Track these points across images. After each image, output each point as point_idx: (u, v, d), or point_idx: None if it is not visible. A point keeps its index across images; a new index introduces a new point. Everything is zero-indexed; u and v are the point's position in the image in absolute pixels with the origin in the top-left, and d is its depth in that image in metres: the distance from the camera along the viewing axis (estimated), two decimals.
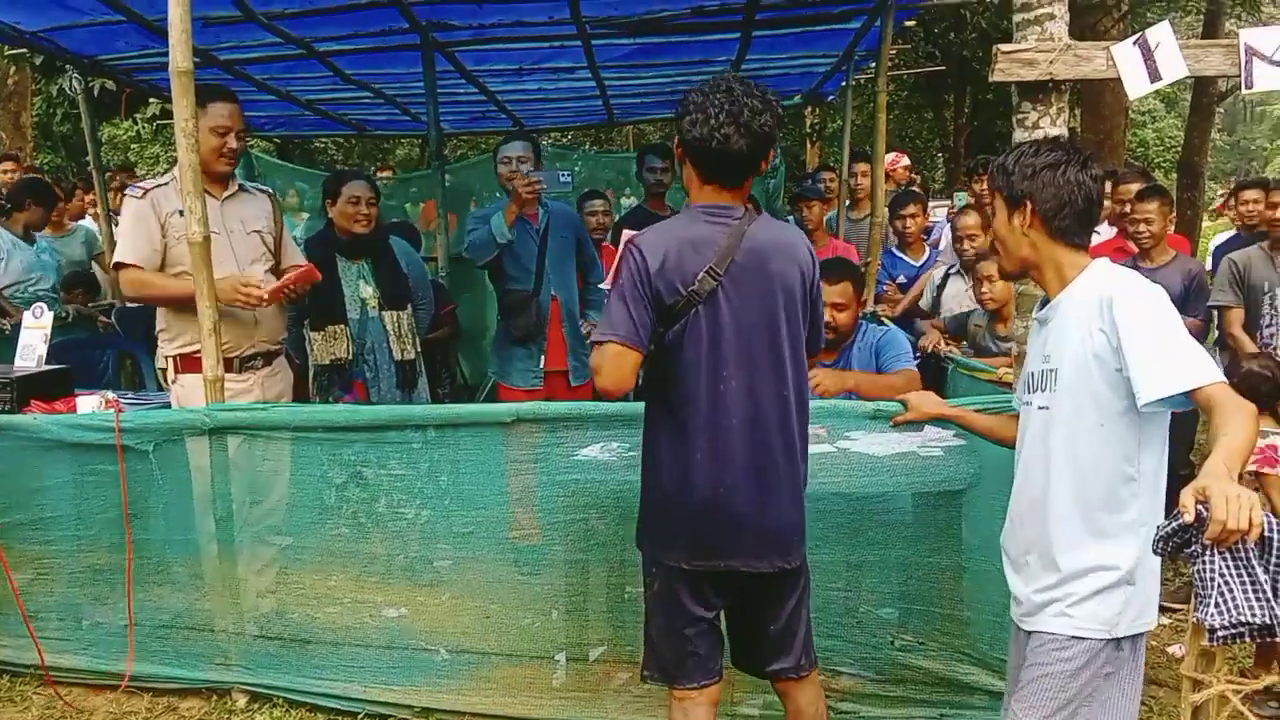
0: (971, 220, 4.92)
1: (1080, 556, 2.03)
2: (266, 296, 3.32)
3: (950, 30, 11.98)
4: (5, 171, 6.77)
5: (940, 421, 2.82)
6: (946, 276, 5.00)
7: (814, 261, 2.41)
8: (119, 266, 3.42)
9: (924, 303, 5.10)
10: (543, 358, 4.42)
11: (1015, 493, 2.24)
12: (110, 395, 3.62)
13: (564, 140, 14.96)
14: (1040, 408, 2.12)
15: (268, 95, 6.75)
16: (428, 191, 8.42)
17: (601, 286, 4.81)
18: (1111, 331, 1.96)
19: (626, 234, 2.34)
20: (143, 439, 3.17)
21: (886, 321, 4.47)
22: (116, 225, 6.11)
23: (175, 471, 3.22)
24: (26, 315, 3.85)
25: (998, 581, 2.89)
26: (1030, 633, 2.13)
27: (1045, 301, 2.19)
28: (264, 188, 3.89)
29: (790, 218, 7.36)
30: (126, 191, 3.59)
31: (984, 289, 4.13)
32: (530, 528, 3.19)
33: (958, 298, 4.88)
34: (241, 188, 3.65)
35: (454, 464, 3.13)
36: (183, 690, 3.32)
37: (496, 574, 3.18)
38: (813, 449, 2.87)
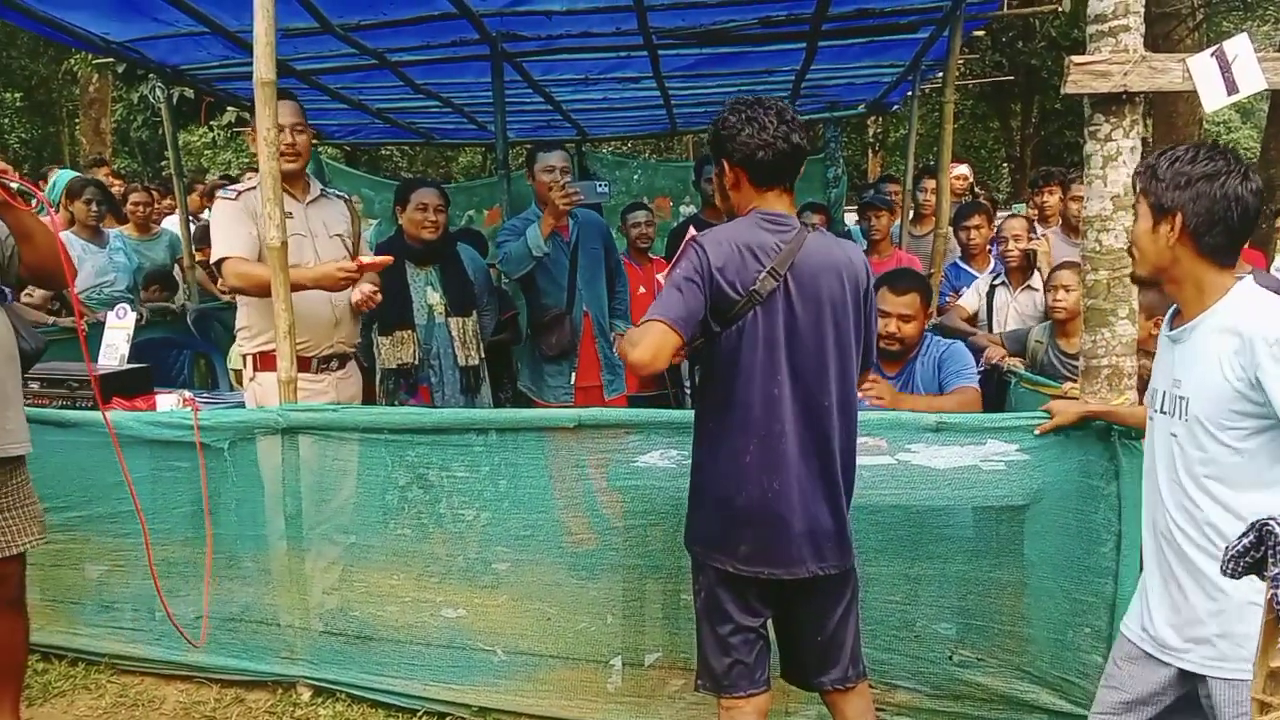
0: (1017, 224, 4.85)
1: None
2: (361, 264, 3.43)
3: (1018, 39, 11.82)
4: (100, 174, 7.05)
5: (1006, 434, 2.80)
6: (993, 287, 4.93)
7: (868, 277, 2.43)
8: (220, 262, 3.51)
9: (971, 305, 5.00)
10: (573, 374, 4.44)
11: (1148, 507, 2.18)
12: (188, 394, 3.74)
13: (624, 148, 15.05)
14: (1171, 434, 2.06)
15: (339, 104, 6.92)
16: (490, 199, 8.56)
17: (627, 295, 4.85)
18: (1252, 370, 1.89)
19: (691, 231, 2.38)
20: (219, 437, 3.28)
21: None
22: (195, 228, 6.34)
23: (247, 469, 3.32)
24: (110, 315, 4.01)
25: (1059, 599, 2.88)
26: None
27: (1176, 314, 2.11)
28: (342, 193, 3.98)
29: (853, 227, 7.36)
30: (219, 194, 3.69)
31: (1058, 297, 4.04)
32: (583, 533, 3.23)
33: (1005, 308, 4.82)
34: (323, 193, 3.76)
35: (514, 467, 3.18)
36: (250, 682, 3.41)
37: (554, 577, 3.22)
38: (872, 460, 2.88)
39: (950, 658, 2.99)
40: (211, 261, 3.63)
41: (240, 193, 3.57)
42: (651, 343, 2.23)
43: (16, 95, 19.79)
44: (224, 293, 6.36)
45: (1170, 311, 2.17)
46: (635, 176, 9.43)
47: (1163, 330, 2.18)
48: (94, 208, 5.73)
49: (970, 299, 5.01)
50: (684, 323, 2.23)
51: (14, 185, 2.56)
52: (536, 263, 4.22)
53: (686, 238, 2.34)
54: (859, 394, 2.57)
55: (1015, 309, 4.80)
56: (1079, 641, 2.86)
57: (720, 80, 6.68)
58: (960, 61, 6.73)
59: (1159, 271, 2.07)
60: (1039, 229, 5.82)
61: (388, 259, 3.59)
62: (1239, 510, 1.95)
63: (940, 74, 5.96)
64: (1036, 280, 4.75)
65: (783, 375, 2.29)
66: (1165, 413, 2.09)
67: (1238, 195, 1.96)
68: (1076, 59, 2.67)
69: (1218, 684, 1.99)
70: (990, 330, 4.83)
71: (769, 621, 2.47)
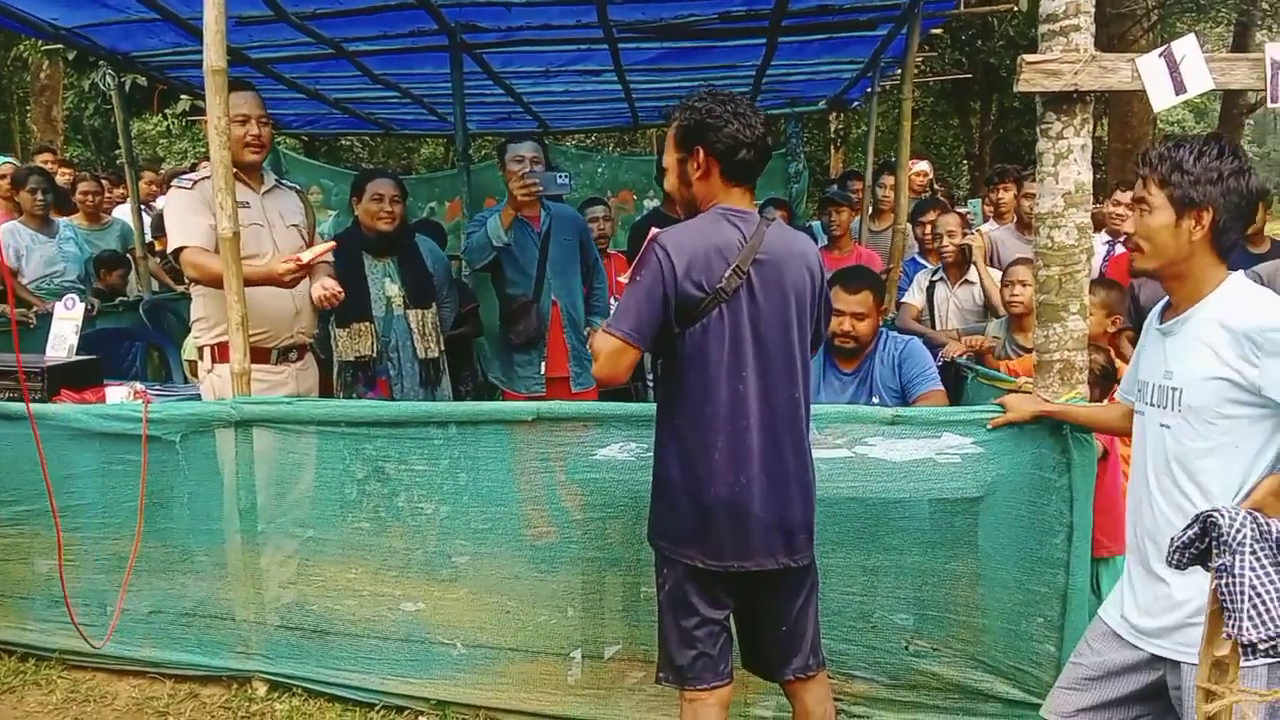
0: (951, 220, 4.92)
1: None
2: (300, 261, 3.37)
3: (977, 38, 11.96)
4: (44, 162, 6.89)
5: (961, 427, 2.84)
6: (932, 283, 4.99)
7: (822, 269, 2.47)
8: (178, 252, 3.46)
9: (916, 301, 5.05)
10: (543, 364, 4.42)
11: (1133, 498, 2.21)
12: (139, 386, 3.68)
13: (587, 142, 15.01)
14: (1162, 425, 2.08)
15: (296, 94, 6.83)
16: (452, 191, 8.49)
17: (609, 292, 4.84)
18: (1246, 361, 1.93)
19: (653, 230, 2.38)
20: (170, 430, 3.23)
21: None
22: (151, 216, 6.23)
23: (201, 462, 3.28)
24: (58, 306, 3.93)
25: (1012, 590, 2.92)
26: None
27: (1166, 307, 2.13)
28: (293, 185, 3.95)
29: (814, 223, 7.39)
30: (174, 183, 3.65)
31: (1017, 291, 4.10)
32: (544, 526, 3.22)
33: (945, 303, 4.89)
34: (278, 183, 3.74)
35: (474, 460, 3.16)
36: (204, 678, 3.37)
37: (513, 571, 3.21)
38: (830, 454, 2.90)
39: (906, 648, 3.02)
40: (168, 251, 3.57)
41: (196, 182, 3.51)
42: (609, 359, 2.29)
43: None
44: (178, 283, 6.28)
45: (1161, 305, 2.19)
46: (599, 170, 9.42)
47: (1151, 323, 2.21)
48: (39, 196, 5.61)
49: (914, 295, 5.07)
50: (641, 335, 2.27)
51: None
52: (501, 252, 4.19)
53: (648, 238, 2.34)
54: None
55: (955, 303, 4.88)
56: (1032, 631, 2.90)
57: (682, 75, 6.69)
58: (919, 59, 6.79)
59: (1170, 265, 2.07)
60: (992, 224, 5.91)
61: (330, 245, 3.56)
62: (1229, 500, 1.98)
63: (899, 71, 6.01)
64: (974, 274, 4.82)
65: (749, 370, 2.30)
66: (1155, 405, 2.11)
67: (1256, 191, 2.00)
68: (1028, 58, 2.70)
69: (1189, 670, 1.99)
70: (932, 325, 4.89)
71: (731, 613, 2.48)
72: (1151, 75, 2.64)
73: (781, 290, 2.33)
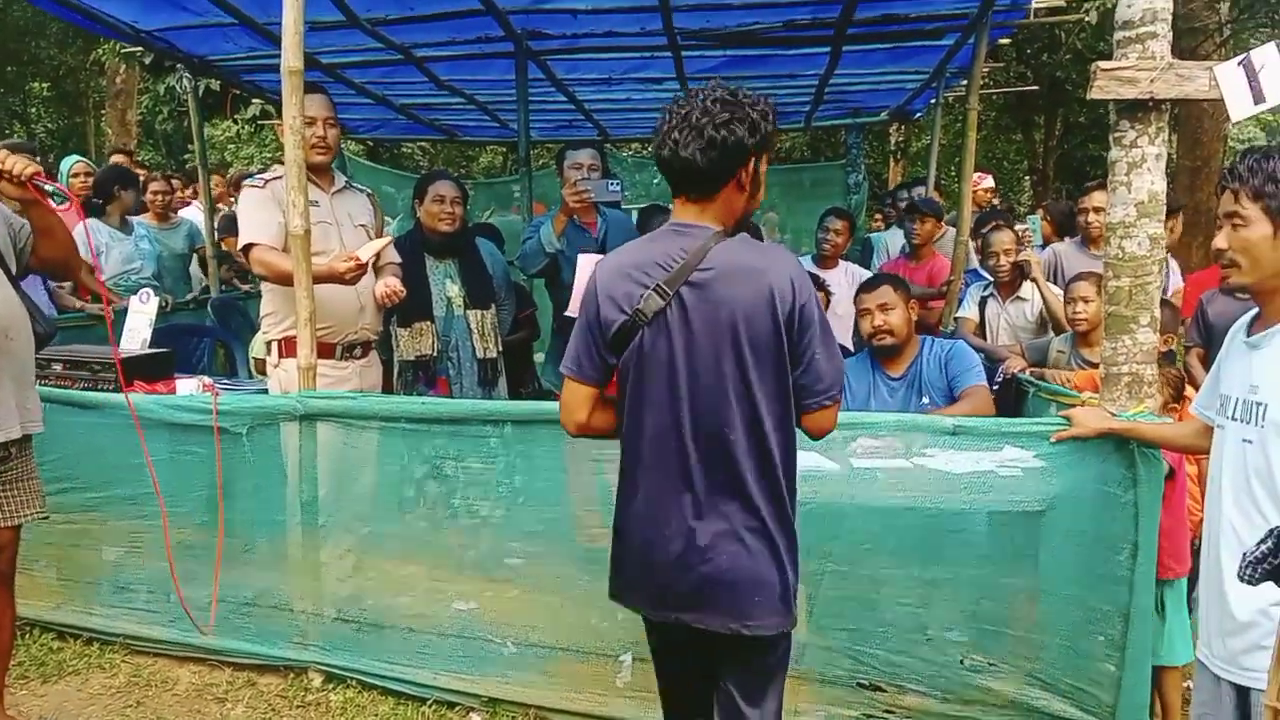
0: (1005, 237, 4.84)
1: None
2: (362, 258, 3.46)
3: (1044, 50, 11.78)
4: (118, 162, 7.12)
5: (1024, 440, 2.79)
6: (984, 299, 4.92)
7: (794, 289, 2.02)
8: (248, 248, 3.56)
9: (972, 315, 4.98)
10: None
11: (1209, 517, 2.14)
12: (208, 380, 3.77)
13: (644, 151, 15.07)
14: (1244, 440, 2.04)
15: (364, 99, 6.97)
16: (512, 197, 8.59)
17: None
18: None
19: (585, 258, 2.22)
20: (237, 422, 3.30)
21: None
22: (220, 218, 6.41)
23: (266, 455, 3.35)
24: (133, 300, 4.06)
25: (1073, 606, 2.86)
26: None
27: (1255, 320, 2.10)
28: (364, 187, 4.04)
29: (873, 235, 7.33)
30: (247, 182, 3.77)
31: (1078, 309, 4.04)
32: (597, 528, 3.23)
33: (996, 319, 4.82)
34: (348, 184, 3.83)
35: (528, 461, 3.19)
36: (262, 666, 3.44)
37: (566, 572, 3.22)
38: (888, 464, 2.88)
39: (961, 662, 2.98)
40: (239, 248, 3.67)
41: (268, 181, 3.62)
42: (564, 399, 2.18)
43: (44, 85, 19.98)
44: (244, 282, 6.44)
45: (1248, 318, 2.15)
46: (655, 180, 9.45)
47: (1236, 336, 2.16)
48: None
49: (970, 309, 5.01)
50: (580, 367, 2.14)
51: (49, 188, 2.74)
52: (553, 259, 4.23)
53: (582, 262, 2.22)
54: None
55: (1006, 319, 4.81)
56: (1093, 649, 2.84)
57: (744, 84, 6.63)
58: (985, 71, 6.71)
59: (1267, 280, 2.03)
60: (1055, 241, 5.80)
61: (386, 240, 3.67)
62: None
63: (964, 82, 5.94)
64: (1026, 290, 4.76)
65: (680, 401, 2.04)
66: (1238, 420, 2.07)
67: None
68: (1103, 64, 2.66)
69: (1258, 696, 1.95)
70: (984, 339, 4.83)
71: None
72: (1230, 84, 2.58)
73: (724, 314, 2.00)
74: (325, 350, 3.54)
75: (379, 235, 3.86)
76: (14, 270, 2.82)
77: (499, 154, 16.60)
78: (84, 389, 3.55)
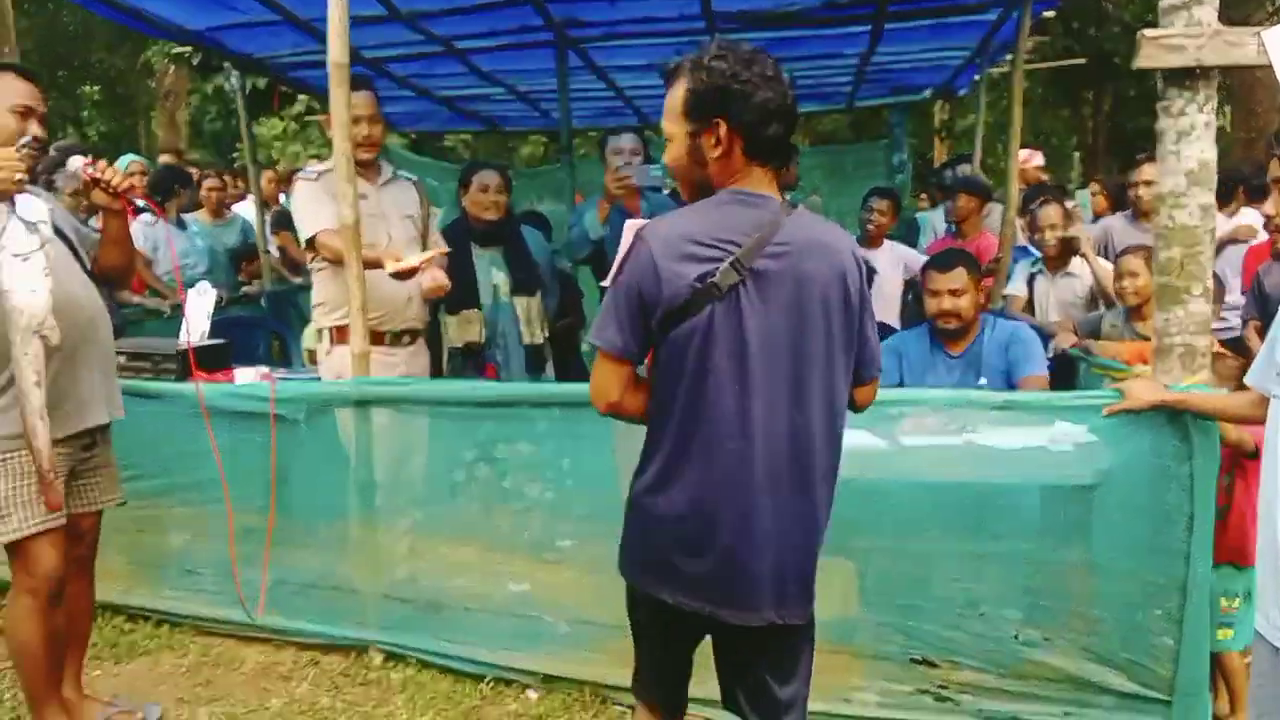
0: (1053, 212, 4.78)
1: None
2: (414, 264, 3.50)
3: (1091, 24, 11.56)
4: (169, 160, 7.32)
5: (1075, 414, 2.77)
6: (1032, 275, 4.87)
7: (861, 268, 2.00)
8: (311, 240, 3.64)
9: (1021, 293, 4.93)
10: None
11: (1265, 488, 2.11)
12: (265, 369, 3.87)
13: None
14: None
15: (406, 91, 7.05)
16: (555, 186, 8.62)
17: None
18: None
19: (631, 224, 2.04)
20: (294, 408, 3.39)
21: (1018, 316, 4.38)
22: (271, 213, 6.55)
23: (323, 440, 3.43)
24: (191, 292, 4.16)
25: (1128, 580, 2.85)
26: None
27: None
28: (412, 176, 4.08)
29: (920, 214, 7.26)
30: (299, 176, 3.86)
31: (1125, 283, 4.00)
32: None
33: (1045, 296, 4.78)
34: (395, 176, 3.88)
35: (576, 443, 3.23)
36: (325, 646, 3.52)
37: (616, 552, 3.25)
38: (937, 440, 2.88)
39: (1015, 637, 2.97)
40: (303, 240, 3.75)
41: (320, 174, 3.70)
42: (597, 378, 2.01)
43: (96, 89, 20.41)
44: (295, 275, 6.56)
45: None
46: None
47: None
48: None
49: (1018, 286, 4.97)
50: (623, 347, 1.96)
51: (140, 203, 2.89)
52: (598, 246, 4.25)
53: (628, 229, 2.04)
54: None
55: (1055, 295, 4.77)
56: (1149, 624, 2.81)
57: (784, 65, 6.61)
58: (1030, 45, 6.61)
59: None
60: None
61: (439, 251, 3.73)
62: None
63: (1009, 57, 5.86)
64: (1075, 265, 4.70)
65: (743, 383, 1.90)
66: None
67: None
68: (1148, 33, 2.62)
69: None
70: (1033, 316, 4.79)
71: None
72: (1279, 50, 2.53)
73: (801, 293, 1.91)
74: (376, 338, 3.61)
75: (426, 225, 3.91)
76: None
77: (540, 144, 16.66)
78: (146, 379, 3.66)
